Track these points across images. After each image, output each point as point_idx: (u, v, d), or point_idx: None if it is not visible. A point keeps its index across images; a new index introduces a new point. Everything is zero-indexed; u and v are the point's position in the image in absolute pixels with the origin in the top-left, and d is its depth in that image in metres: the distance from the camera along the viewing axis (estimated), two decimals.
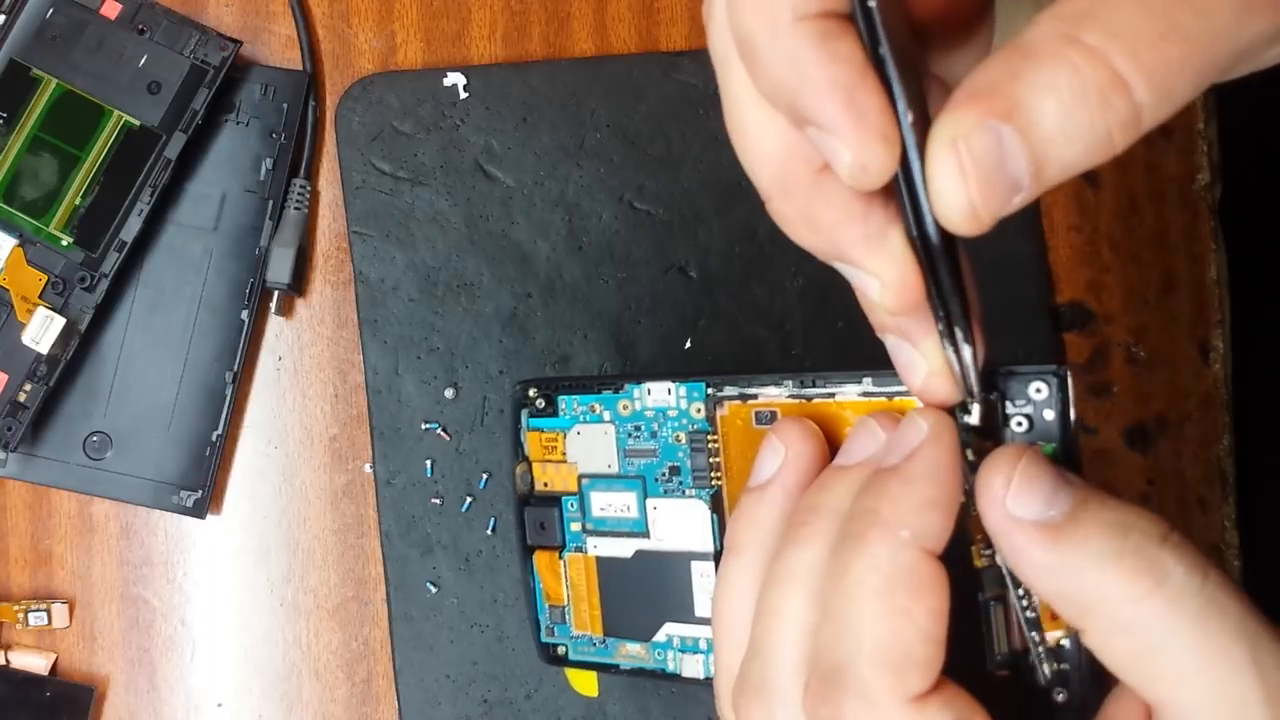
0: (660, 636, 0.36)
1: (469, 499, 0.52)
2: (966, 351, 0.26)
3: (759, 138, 0.27)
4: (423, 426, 0.52)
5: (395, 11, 0.54)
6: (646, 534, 0.36)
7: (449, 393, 0.52)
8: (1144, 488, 0.52)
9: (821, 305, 0.52)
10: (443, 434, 0.52)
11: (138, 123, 0.50)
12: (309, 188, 0.53)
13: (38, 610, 0.52)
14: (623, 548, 0.37)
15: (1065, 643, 0.29)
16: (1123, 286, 0.53)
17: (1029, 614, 0.29)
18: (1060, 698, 0.29)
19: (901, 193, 0.24)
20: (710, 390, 0.35)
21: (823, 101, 0.23)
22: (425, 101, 0.53)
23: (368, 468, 0.52)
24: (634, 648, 0.37)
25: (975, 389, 0.27)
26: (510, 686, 0.51)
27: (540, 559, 0.38)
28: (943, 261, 0.25)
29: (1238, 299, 0.53)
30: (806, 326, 0.51)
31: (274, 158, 0.52)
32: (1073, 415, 0.29)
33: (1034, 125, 0.22)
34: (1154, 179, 0.53)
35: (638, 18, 0.53)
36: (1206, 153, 0.53)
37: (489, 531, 0.52)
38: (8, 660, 0.52)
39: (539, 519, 0.38)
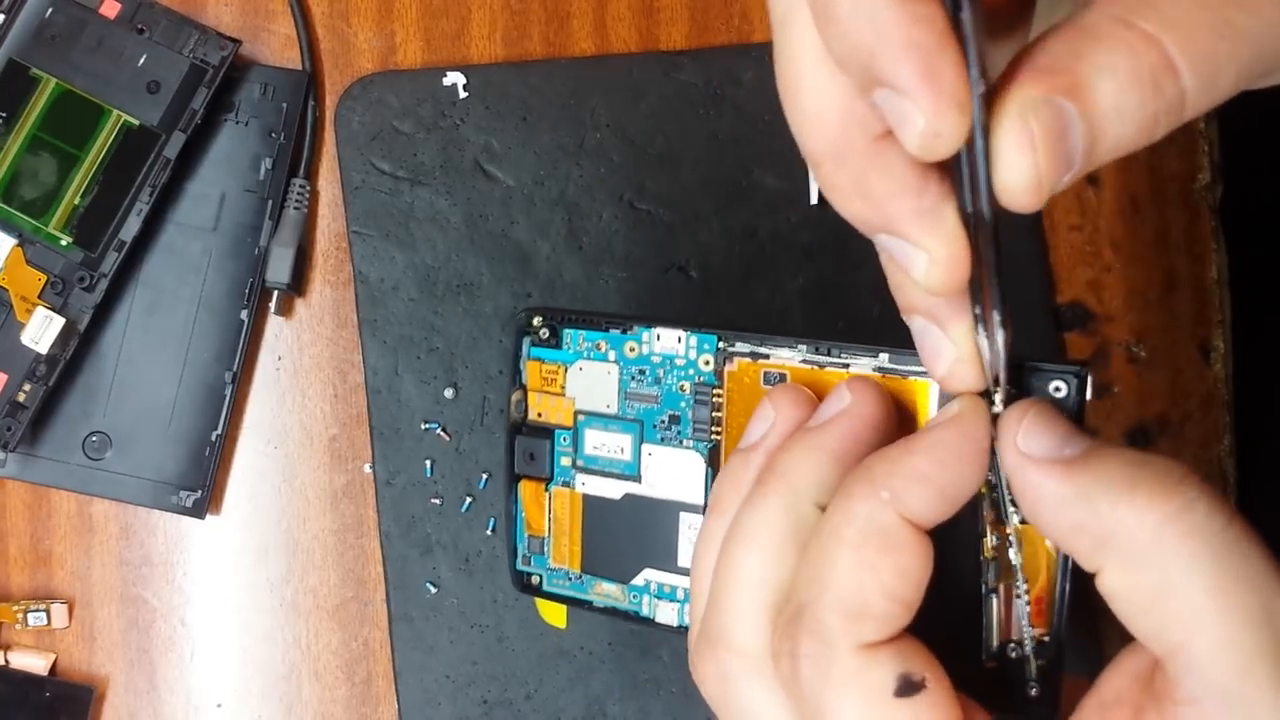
0: (639, 580, 0.36)
1: (469, 499, 0.52)
2: (1001, 336, 0.26)
3: (817, 100, 0.26)
4: (422, 427, 0.52)
5: (395, 11, 0.54)
6: (638, 478, 0.36)
7: (449, 393, 0.52)
8: None
9: (821, 305, 0.52)
10: (442, 434, 0.52)
11: (137, 122, 0.50)
12: (308, 187, 0.53)
13: (37, 610, 0.52)
14: (612, 488, 0.36)
15: (1045, 639, 0.29)
16: (1123, 286, 0.53)
17: (1023, 601, 0.29)
18: (1033, 692, 0.30)
19: (961, 166, 0.24)
20: (722, 344, 0.34)
21: (900, 63, 0.23)
22: (425, 101, 0.53)
23: (367, 468, 0.52)
24: (610, 587, 0.37)
25: (1004, 376, 0.27)
26: (510, 687, 0.51)
27: (526, 488, 0.38)
28: (993, 241, 0.25)
29: (1238, 299, 0.53)
30: (806, 326, 0.51)
31: (273, 157, 0.52)
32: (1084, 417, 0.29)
33: (1093, 103, 0.23)
34: (1155, 179, 0.53)
35: (638, 17, 0.53)
36: (1207, 153, 0.53)
37: (489, 532, 0.52)
38: (7, 660, 0.51)
39: (529, 449, 0.37)
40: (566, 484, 0.37)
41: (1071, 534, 0.25)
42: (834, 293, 0.52)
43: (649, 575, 0.36)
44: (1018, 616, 0.30)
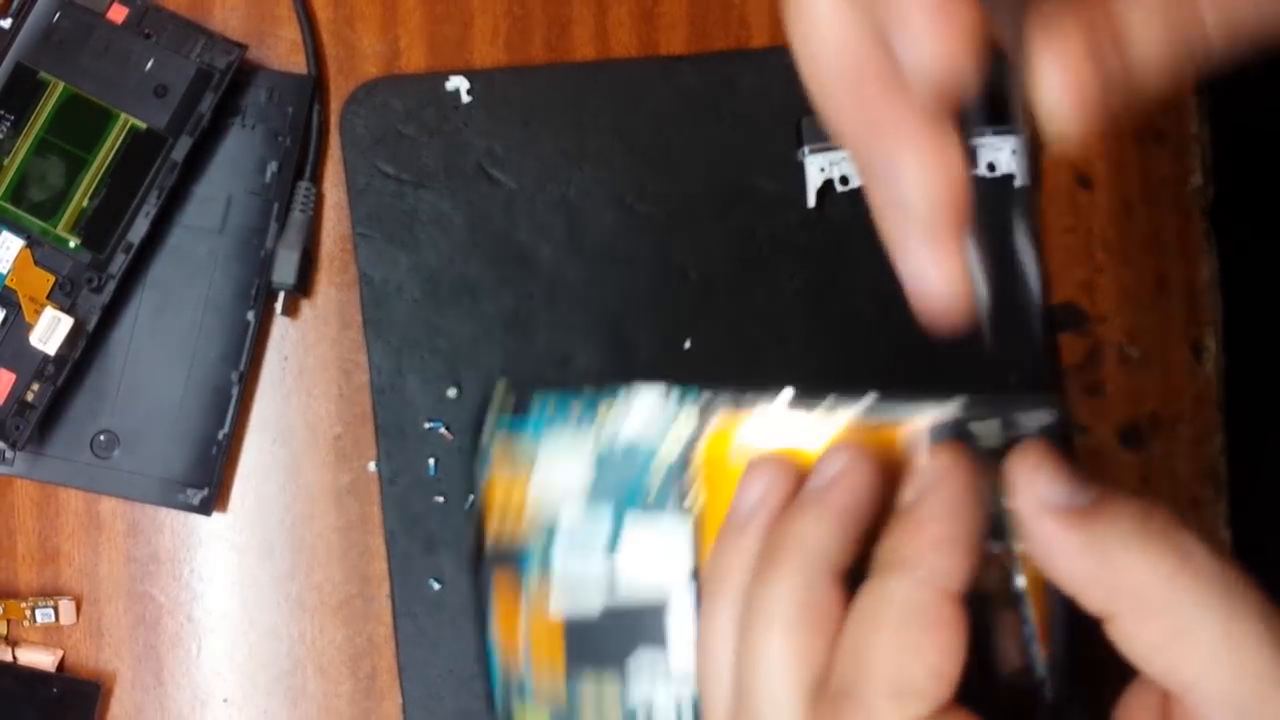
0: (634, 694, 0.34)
1: (472, 497, 0.52)
2: (982, 277, 0.26)
3: (829, 29, 0.26)
4: (426, 425, 0.52)
5: (399, 16, 0.54)
6: (615, 574, 0.33)
7: (452, 392, 0.52)
8: (1138, 486, 0.53)
9: (820, 306, 0.52)
10: (446, 433, 0.52)
11: (144, 126, 0.51)
12: (314, 190, 0.53)
13: (45, 607, 0.52)
14: (590, 600, 0.34)
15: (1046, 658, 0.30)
16: (1116, 287, 0.53)
17: (1027, 629, 0.29)
18: (1047, 702, 0.30)
19: (1010, 91, 0.24)
20: (702, 402, 0.33)
21: None
22: (428, 105, 0.53)
23: (372, 466, 0.53)
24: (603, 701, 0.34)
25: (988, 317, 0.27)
26: None
27: (501, 616, 0.35)
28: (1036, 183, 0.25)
29: (1229, 300, 0.54)
30: (805, 327, 0.52)
31: (279, 161, 0.53)
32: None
33: (1126, 29, 0.23)
34: (1147, 181, 0.54)
35: (637, 23, 0.54)
36: (1199, 156, 0.54)
37: None
38: (15, 657, 0.52)
39: (496, 575, 0.35)
40: (541, 603, 0.34)
41: (1087, 582, 0.26)
42: (831, 294, 0.52)
43: (644, 679, 0.34)
44: (1026, 640, 0.29)
